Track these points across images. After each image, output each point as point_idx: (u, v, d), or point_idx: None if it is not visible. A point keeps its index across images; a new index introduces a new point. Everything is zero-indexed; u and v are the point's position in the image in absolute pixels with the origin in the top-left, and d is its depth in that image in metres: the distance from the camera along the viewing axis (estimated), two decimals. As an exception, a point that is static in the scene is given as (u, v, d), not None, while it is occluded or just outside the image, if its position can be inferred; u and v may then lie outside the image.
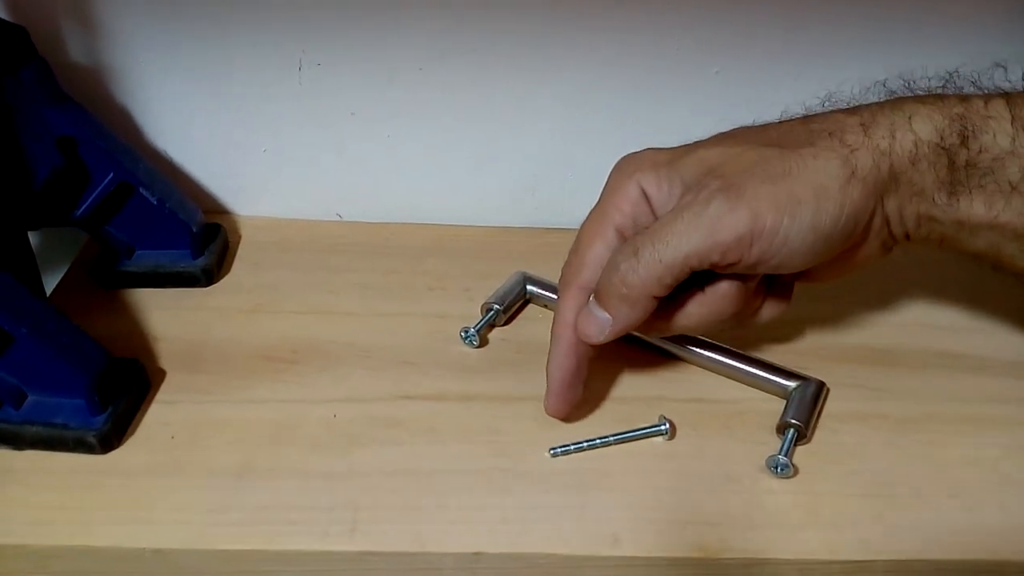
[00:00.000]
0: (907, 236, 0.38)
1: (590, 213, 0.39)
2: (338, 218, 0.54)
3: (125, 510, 0.36)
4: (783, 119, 0.39)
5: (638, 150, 0.39)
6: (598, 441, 0.39)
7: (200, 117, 0.50)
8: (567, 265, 0.39)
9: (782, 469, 0.38)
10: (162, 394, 0.41)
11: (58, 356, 0.37)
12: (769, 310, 0.40)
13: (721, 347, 0.44)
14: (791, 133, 0.37)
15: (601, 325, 0.37)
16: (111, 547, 0.35)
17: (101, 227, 0.47)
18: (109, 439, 0.38)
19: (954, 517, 0.37)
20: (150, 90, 0.49)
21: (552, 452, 0.39)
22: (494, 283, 0.48)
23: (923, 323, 0.48)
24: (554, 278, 0.47)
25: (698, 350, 0.44)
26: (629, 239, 0.37)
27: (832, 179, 0.35)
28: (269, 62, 0.48)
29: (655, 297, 0.36)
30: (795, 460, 0.39)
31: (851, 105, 0.38)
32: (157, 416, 0.40)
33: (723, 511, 0.37)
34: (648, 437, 0.40)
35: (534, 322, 0.47)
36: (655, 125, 0.51)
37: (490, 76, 0.49)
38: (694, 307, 0.38)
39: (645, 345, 0.45)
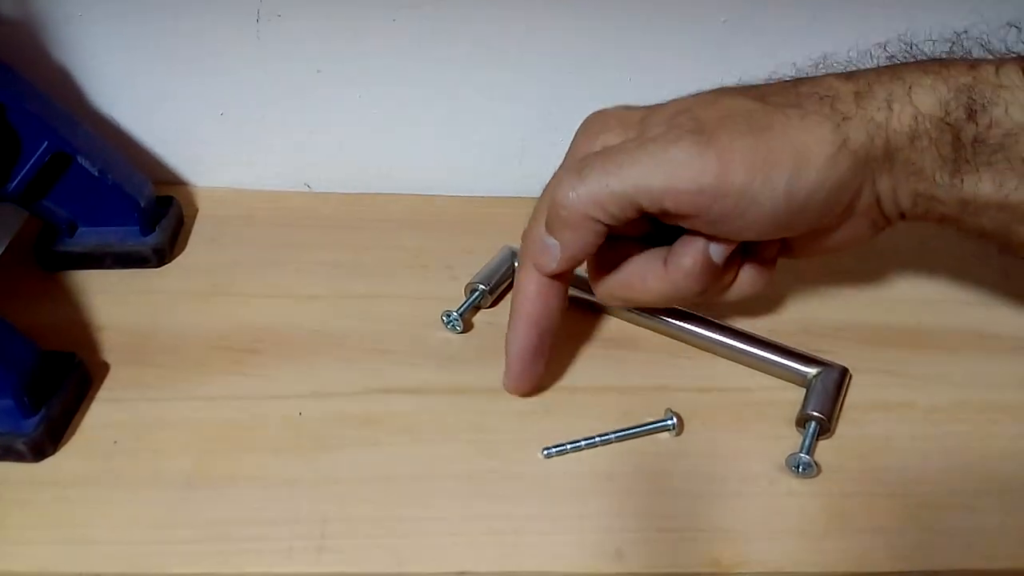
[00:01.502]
0: (902, 215, 0.34)
1: (552, 177, 0.35)
2: (306, 189, 0.49)
3: (59, 528, 0.31)
4: (770, 81, 0.35)
5: (607, 107, 0.35)
6: (597, 439, 0.35)
7: (148, 77, 0.45)
8: (527, 234, 0.36)
9: (804, 468, 0.34)
10: (105, 391, 0.37)
11: (-21, 353, 0.32)
12: (744, 285, 0.36)
13: (733, 329, 0.39)
14: (778, 93, 0.33)
15: (551, 253, 0.34)
16: (42, 572, 0.30)
17: (38, 202, 0.42)
18: (42, 445, 0.34)
19: (999, 521, 0.33)
20: (90, 47, 0.44)
21: (546, 452, 0.35)
22: (479, 259, 0.43)
23: (954, 299, 0.44)
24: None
25: (707, 332, 0.39)
26: (581, 158, 0.33)
27: (819, 144, 0.31)
28: (224, 14, 0.43)
29: (599, 223, 0.32)
30: (817, 457, 0.35)
31: (846, 70, 0.34)
32: (98, 417, 0.35)
33: (739, 518, 0.33)
34: (653, 433, 0.36)
35: (524, 303, 0.42)
36: (652, 84, 0.46)
37: (471, 29, 0.44)
38: (654, 280, 0.35)
39: (646, 327, 0.40)
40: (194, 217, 0.46)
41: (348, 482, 0.33)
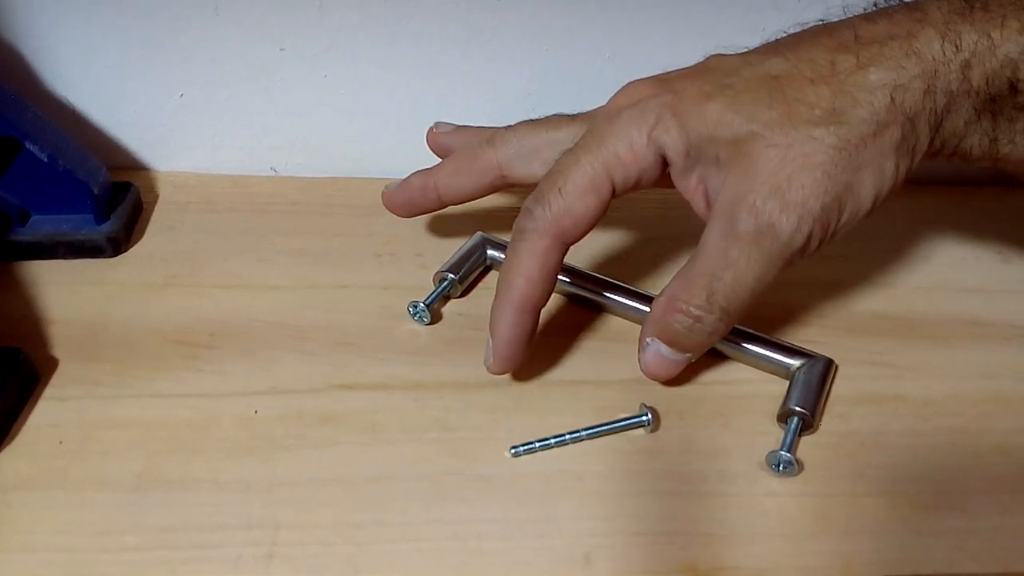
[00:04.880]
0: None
1: (587, 145, 0.33)
2: (272, 173, 0.47)
3: (-3, 534, 0.30)
4: (808, 26, 0.33)
5: (654, 77, 0.34)
6: (567, 437, 0.33)
7: (104, 58, 0.43)
8: (544, 202, 0.32)
9: (785, 467, 0.32)
10: (52, 388, 0.35)
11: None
12: None
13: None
14: (845, 93, 0.30)
15: (580, 211, 0.33)
16: (-24, 581, 0.29)
17: (-14, 189, 0.40)
18: (-18, 447, 0.32)
19: (992, 522, 0.32)
20: (42, 27, 0.42)
21: (513, 451, 0.33)
22: (451, 247, 0.41)
23: (946, 286, 0.42)
24: (519, 240, 0.41)
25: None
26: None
27: (889, 164, 0.31)
28: (180, -11, 0.41)
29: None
30: (800, 454, 0.33)
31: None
32: (44, 416, 0.34)
33: (717, 519, 0.31)
34: (627, 430, 0.34)
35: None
36: (634, 64, 0.44)
37: (444, 4, 0.42)
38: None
39: (623, 317, 0.39)
40: (154, 203, 0.44)
41: (304, 485, 0.32)
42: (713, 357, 0.37)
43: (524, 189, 0.36)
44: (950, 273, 0.43)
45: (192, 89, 0.44)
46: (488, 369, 0.34)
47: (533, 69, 0.45)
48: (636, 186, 0.33)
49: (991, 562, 0.30)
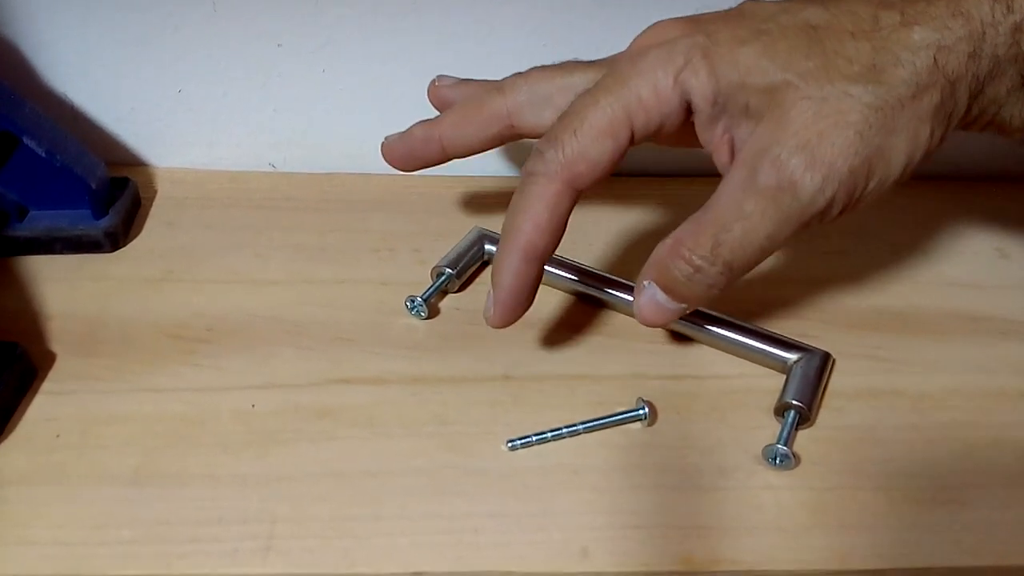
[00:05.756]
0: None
1: (607, 85, 0.31)
2: (270, 168, 0.47)
3: (-6, 529, 0.30)
4: None
5: (685, 17, 0.32)
6: (564, 431, 0.33)
7: (102, 54, 0.43)
8: (557, 144, 0.31)
9: (781, 460, 0.32)
10: (49, 383, 0.35)
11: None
12: None
13: (711, 315, 0.37)
14: (887, 50, 0.29)
15: (595, 154, 0.31)
16: (-27, 575, 0.29)
17: (-16, 185, 0.40)
18: (-20, 441, 0.32)
19: (987, 515, 0.32)
20: (40, 23, 0.42)
21: (510, 445, 0.33)
22: (449, 242, 0.41)
23: (943, 281, 0.42)
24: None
25: (683, 318, 0.37)
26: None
27: (923, 135, 0.29)
28: (176, -16, 0.41)
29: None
30: (797, 448, 0.33)
31: None
32: (41, 410, 0.34)
33: (713, 513, 0.31)
34: (624, 424, 0.34)
35: (494, 287, 0.41)
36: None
37: (440, -1, 0.42)
38: None
39: (623, 312, 0.39)
40: (152, 199, 0.44)
41: (300, 479, 0.32)
42: (710, 351, 0.37)
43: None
44: (947, 268, 0.43)
45: (190, 85, 0.44)
46: (488, 321, 0.33)
47: (531, 64, 0.44)
48: (656, 134, 0.31)
49: (987, 556, 0.30)
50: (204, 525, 0.30)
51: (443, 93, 0.39)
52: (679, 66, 0.30)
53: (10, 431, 0.33)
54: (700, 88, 0.30)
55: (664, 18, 0.34)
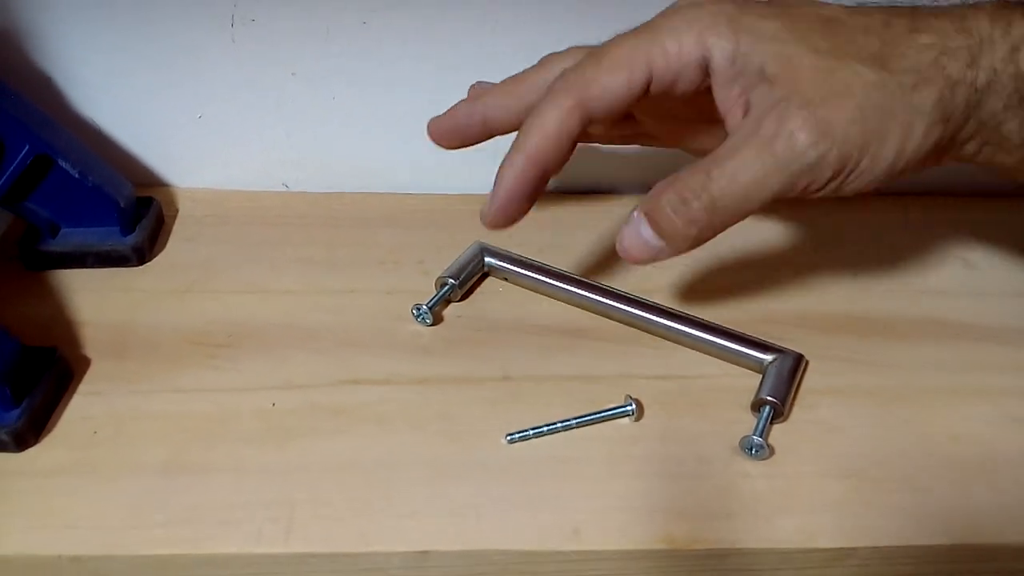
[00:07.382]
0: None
1: (637, 32, 0.33)
2: (284, 188, 0.50)
3: (40, 514, 0.33)
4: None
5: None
6: (559, 425, 0.36)
7: (127, 82, 0.46)
8: (577, 69, 0.33)
9: (756, 450, 0.35)
10: (85, 385, 0.38)
11: (-39, 348, 0.34)
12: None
13: (694, 319, 0.40)
14: (894, 45, 0.32)
15: (608, 83, 0.33)
16: (24, 555, 0.32)
17: (21, 204, 0.43)
18: (24, 436, 0.35)
19: (943, 499, 0.34)
20: (71, 52, 0.45)
21: (509, 438, 0.36)
22: (453, 255, 0.44)
23: (912, 289, 0.45)
24: (516, 249, 0.44)
25: (669, 323, 0.41)
26: None
27: (921, 122, 0.31)
28: (199, 19, 0.44)
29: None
30: (771, 440, 0.36)
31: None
32: (79, 409, 0.37)
33: (693, 498, 0.34)
34: (613, 419, 0.37)
35: (493, 296, 0.44)
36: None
37: (442, 27, 0.45)
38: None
39: (613, 318, 0.42)
40: (174, 217, 0.48)
41: (317, 469, 0.35)
42: (692, 352, 0.40)
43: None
44: (916, 278, 0.46)
45: (209, 111, 0.48)
46: (483, 221, 0.35)
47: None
48: (671, 88, 0.33)
49: (943, 535, 0.33)
50: (230, 509, 0.33)
51: (481, 88, 0.40)
52: (705, 25, 0.32)
53: (51, 428, 0.36)
54: (721, 47, 0.32)
55: (657, 7, 0.36)
